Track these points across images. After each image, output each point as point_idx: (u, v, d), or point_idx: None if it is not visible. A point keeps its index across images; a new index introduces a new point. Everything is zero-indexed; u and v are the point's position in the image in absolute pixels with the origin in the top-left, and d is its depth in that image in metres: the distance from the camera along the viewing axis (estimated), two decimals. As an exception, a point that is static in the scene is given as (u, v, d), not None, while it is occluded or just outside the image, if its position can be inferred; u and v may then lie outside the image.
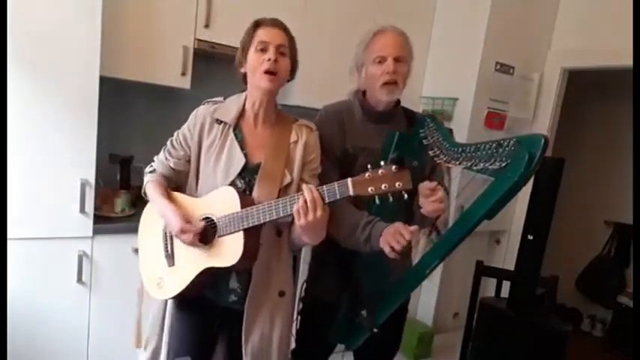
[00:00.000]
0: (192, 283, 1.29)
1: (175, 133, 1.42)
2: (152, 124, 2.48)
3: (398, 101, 1.54)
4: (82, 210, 1.86)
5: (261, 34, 1.29)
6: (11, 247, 1.74)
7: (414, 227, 1.26)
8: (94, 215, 1.91)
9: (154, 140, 2.49)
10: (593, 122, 4.00)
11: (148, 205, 1.45)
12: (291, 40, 1.33)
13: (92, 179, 1.87)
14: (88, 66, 1.79)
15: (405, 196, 1.05)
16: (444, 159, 1.33)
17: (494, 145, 1.19)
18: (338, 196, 1.10)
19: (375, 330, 1.41)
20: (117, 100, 2.36)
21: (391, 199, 1.06)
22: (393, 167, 1.05)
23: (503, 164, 1.15)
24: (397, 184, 1.04)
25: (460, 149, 1.28)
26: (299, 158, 1.34)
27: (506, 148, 1.16)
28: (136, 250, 1.97)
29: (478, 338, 2.16)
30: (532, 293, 2.01)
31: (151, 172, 1.43)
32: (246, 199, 1.24)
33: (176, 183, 1.43)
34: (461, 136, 2.76)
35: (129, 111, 2.44)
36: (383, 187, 1.04)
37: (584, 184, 3.95)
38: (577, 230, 3.98)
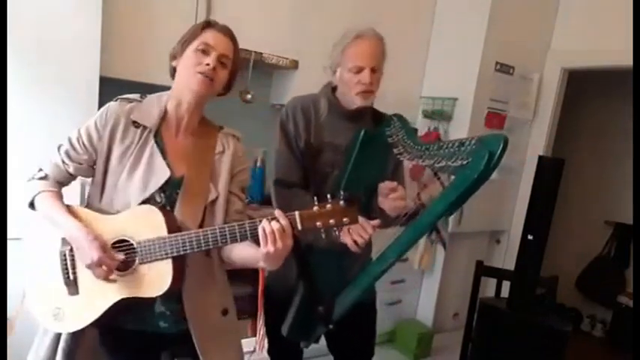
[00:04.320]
0: (105, 314, 1.14)
1: (76, 132, 1.20)
2: (152, 124, 2.49)
3: None
4: (82, 210, 1.85)
5: (209, 35, 1.17)
6: (11, 247, 1.74)
7: (375, 221, 1.28)
8: (94, 215, 1.90)
9: (153, 140, 2.54)
10: (593, 122, 4.00)
11: (38, 219, 1.24)
12: (236, 53, 1.22)
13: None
14: (88, 66, 1.79)
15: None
16: (408, 157, 1.34)
17: (456, 143, 1.21)
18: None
19: (331, 326, 1.38)
20: (117, 100, 2.36)
21: (336, 232, 1.09)
22: (342, 203, 1.04)
23: (465, 162, 1.16)
24: (345, 219, 1.05)
25: (424, 147, 1.29)
26: (226, 170, 1.23)
27: (468, 147, 1.17)
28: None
29: (478, 338, 2.16)
30: (532, 293, 2.01)
31: (41, 178, 1.22)
32: (171, 220, 1.12)
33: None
34: (461, 137, 2.76)
35: (129, 111, 2.44)
36: (330, 222, 1.05)
37: (584, 184, 3.95)
38: (577, 230, 3.98)
